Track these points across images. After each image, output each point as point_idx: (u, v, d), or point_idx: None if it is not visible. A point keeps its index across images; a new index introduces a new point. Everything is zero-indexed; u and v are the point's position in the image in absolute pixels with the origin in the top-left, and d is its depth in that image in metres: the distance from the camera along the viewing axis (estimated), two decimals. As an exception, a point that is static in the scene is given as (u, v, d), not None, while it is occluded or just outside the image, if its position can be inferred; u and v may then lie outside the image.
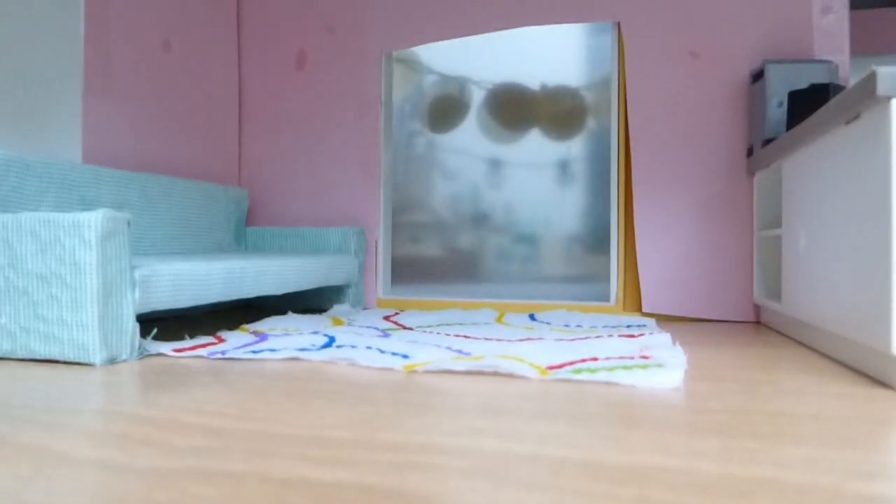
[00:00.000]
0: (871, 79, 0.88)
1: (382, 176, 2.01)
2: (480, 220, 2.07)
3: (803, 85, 1.55)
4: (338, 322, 1.50)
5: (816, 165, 1.18)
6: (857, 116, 0.99)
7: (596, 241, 1.98)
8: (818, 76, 1.55)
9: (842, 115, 1.01)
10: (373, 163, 2.00)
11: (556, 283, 2.00)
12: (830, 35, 1.69)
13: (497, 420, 0.71)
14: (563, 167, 2.03)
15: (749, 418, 0.73)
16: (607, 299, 1.91)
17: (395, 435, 0.65)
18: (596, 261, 1.97)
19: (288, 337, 1.24)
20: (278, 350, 1.10)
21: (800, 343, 1.33)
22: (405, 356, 1.07)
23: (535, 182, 2.05)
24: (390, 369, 1.01)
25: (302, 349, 1.12)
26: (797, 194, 1.31)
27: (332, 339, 1.22)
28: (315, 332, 1.30)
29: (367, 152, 2.01)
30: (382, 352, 1.10)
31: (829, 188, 1.11)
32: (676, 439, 0.64)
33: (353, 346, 1.14)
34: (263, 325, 1.41)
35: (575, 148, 2.02)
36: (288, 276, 1.46)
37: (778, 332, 1.52)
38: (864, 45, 2.54)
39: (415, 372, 0.98)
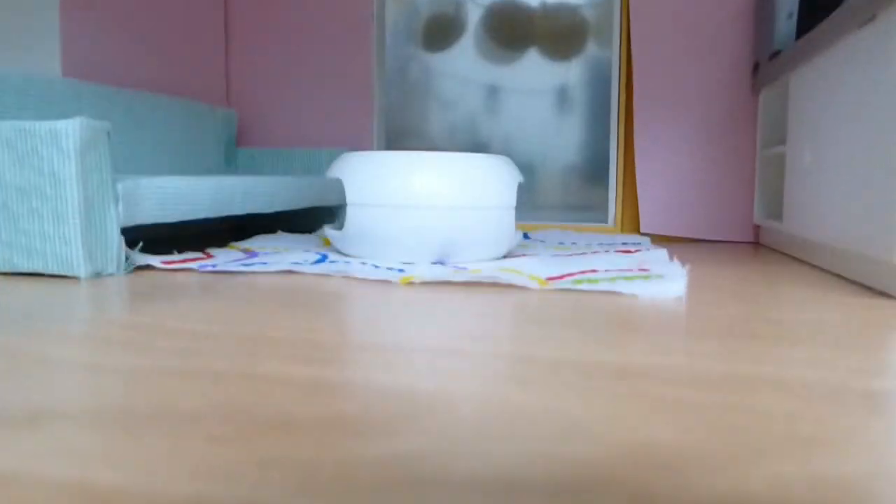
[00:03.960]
0: (892, -28, 0.82)
1: (375, 96, 1.95)
2: (478, 149, 2.02)
3: (815, -6, 1.47)
4: (328, 242, 1.48)
5: (826, 75, 1.13)
6: (872, 18, 0.93)
7: (595, 168, 1.94)
8: (831, -15, 1.47)
9: (856, 17, 0.96)
10: (365, 81, 1.93)
11: (554, 211, 1.96)
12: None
13: (493, 326, 0.69)
14: (563, 92, 1.97)
15: (750, 324, 0.71)
16: (605, 222, 1.88)
17: (388, 338, 0.63)
18: (594, 189, 1.94)
19: (279, 254, 1.22)
20: (270, 264, 1.08)
21: (800, 261, 1.31)
22: (401, 270, 1.05)
23: (534, 109, 1.99)
24: (386, 282, 0.99)
25: (295, 263, 1.10)
26: (804, 108, 1.26)
27: (324, 256, 1.19)
28: (307, 251, 1.28)
29: (358, 70, 1.94)
30: (377, 267, 1.08)
31: (839, 99, 1.07)
32: (676, 342, 0.62)
33: (346, 262, 1.12)
34: (252, 242, 1.38)
35: (575, 69, 1.95)
36: (279, 194, 1.43)
37: (778, 251, 1.50)
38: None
39: (412, 283, 0.96)
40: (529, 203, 1.99)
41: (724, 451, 0.36)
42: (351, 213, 1.15)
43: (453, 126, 2.04)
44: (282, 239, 1.46)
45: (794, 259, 1.34)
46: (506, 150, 2.00)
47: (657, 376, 0.51)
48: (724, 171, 1.69)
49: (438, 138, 2.05)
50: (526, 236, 1.63)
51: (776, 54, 1.48)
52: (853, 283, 1.02)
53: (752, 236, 1.69)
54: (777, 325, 0.71)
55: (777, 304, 0.84)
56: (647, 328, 0.68)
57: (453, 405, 0.44)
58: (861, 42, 0.98)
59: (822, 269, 1.17)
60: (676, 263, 1.10)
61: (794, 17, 1.48)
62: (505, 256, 1.23)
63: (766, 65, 1.52)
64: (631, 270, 1.03)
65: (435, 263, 1.13)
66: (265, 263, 1.09)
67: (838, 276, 1.09)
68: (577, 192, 1.95)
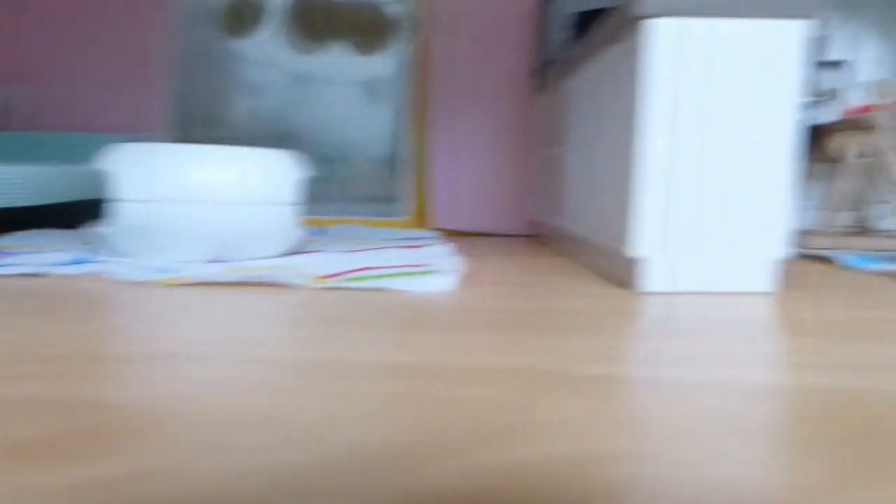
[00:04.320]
0: (632, 0, 0.92)
1: (167, 81, 1.82)
2: (283, 138, 1.97)
3: (592, 7, 1.61)
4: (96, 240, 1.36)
5: (588, 84, 1.25)
6: (621, 37, 1.04)
7: (399, 160, 1.97)
8: (605, 0, 1.62)
9: (610, 34, 1.07)
10: (155, 65, 1.80)
11: (358, 204, 1.97)
12: (610, -37, 1.78)
13: (254, 328, 0.68)
14: (368, 85, 1.98)
15: (502, 316, 0.76)
16: (404, 215, 1.93)
17: (134, 347, 0.59)
18: (398, 182, 1.97)
19: (34, 254, 1.10)
20: (19, 266, 0.97)
21: (569, 254, 1.44)
22: (171, 270, 0.99)
23: (340, 100, 1.98)
24: (150, 282, 0.93)
25: (50, 264, 1.00)
26: (572, 113, 1.38)
27: (87, 256, 1.10)
28: (69, 250, 1.17)
29: (147, 53, 1.80)
30: (145, 267, 1.02)
31: (596, 106, 1.18)
32: (430, 337, 0.65)
33: (110, 262, 1.04)
34: (4, 240, 1.24)
35: (380, 64, 1.97)
36: (39, 185, 1.29)
37: (553, 244, 1.63)
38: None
39: (180, 285, 0.92)
40: (333, 195, 1.98)
41: (434, 445, 0.39)
42: (119, 209, 1.07)
43: (257, 115, 1.97)
44: (42, 236, 1.32)
45: (566, 252, 1.47)
46: (311, 141, 1.97)
47: (401, 373, 0.53)
48: (511, 169, 1.80)
49: (242, 127, 1.97)
50: (319, 231, 1.62)
51: (552, 62, 1.60)
52: (604, 274, 1.14)
53: (535, 230, 1.82)
54: (530, 315, 0.77)
55: (536, 295, 0.91)
56: (409, 324, 0.71)
57: (181, 418, 0.42)
58: (612, 57, 1.08)
59: (583, 262, 1.29)
60: (455, 258, 1.16)
61: (567, 29, 1.61)
62: (291, 253, 1.21)
63: (544, 71, 1.64)
64: (410, 266, 1.06)
65: (211, 262, 1.09)
66: (14, 265, 0.98)
67: (594, 268, 1.21)
68: (381, 185, 1.97)
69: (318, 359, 0.57)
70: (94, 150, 1.72)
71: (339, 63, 1.98)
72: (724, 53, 0.92)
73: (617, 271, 1.08)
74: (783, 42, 0.92)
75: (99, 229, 1.12)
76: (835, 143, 1.77)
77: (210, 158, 1.06)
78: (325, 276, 0.95)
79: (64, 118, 1.82)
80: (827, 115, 2.14)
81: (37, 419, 0.42)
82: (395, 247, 1.33)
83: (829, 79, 3.01)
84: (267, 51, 1.98)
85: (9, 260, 1.03)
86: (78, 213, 1.71)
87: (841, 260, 1.29)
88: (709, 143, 0.93)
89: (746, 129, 0.93)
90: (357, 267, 1.03)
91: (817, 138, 1.82)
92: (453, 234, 1.81)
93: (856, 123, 1.56)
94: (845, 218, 2.21)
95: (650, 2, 0.90)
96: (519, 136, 1.80)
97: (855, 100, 2.93)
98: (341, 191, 1.99)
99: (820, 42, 2.67)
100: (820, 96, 2.57)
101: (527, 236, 1.81)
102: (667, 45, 0.91)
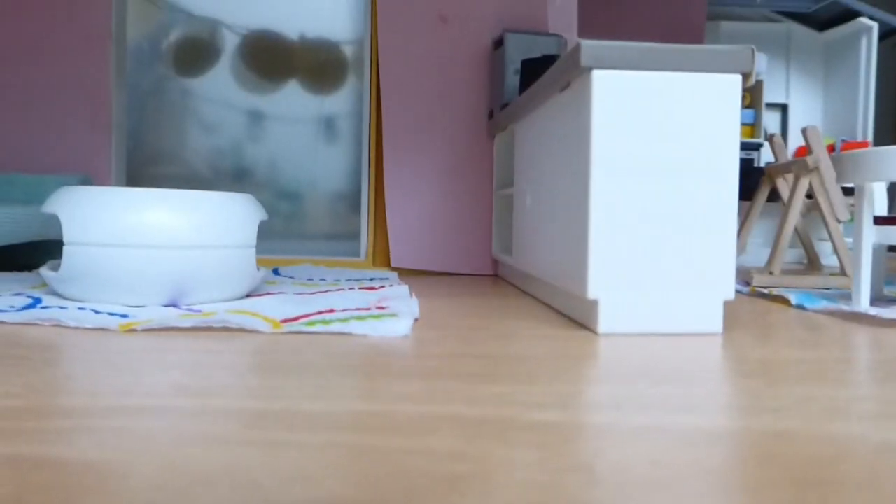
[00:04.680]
0: (577, 51, 0.96)
1: (114, 120, 1.81)
2: (240, 175, 1.97)
3: (536, 55, 1.67)
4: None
5: (539, 129, 1.28)
6: (568, 85, 1.08)
7: (357, 197, 1.98)
8: (549, 48, 1.68)
9: (557, 83, 1.11)
10: (102, 104, 1.79)
11: (316, 242, 1.97)
12: (561, 13, 1.85)
13: (207, 377, 0.67)
14: (324, 123, 1.99)
15: (458, 361, 0.77)
16: (362, 255, 1.93)
17: (78, 400, 0.59)
18: (358, 219, 1.98)
19: (-19, 299, 1.07)
20: (-37, 314, 0.95)
21: (527, 294, 1.46)
22: (124, 316, 0.98)
23: (296, 139, 1.99)
24: (104, 329, 0.91)
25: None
26: (525, 156, 1.41)
27: (37, 301, 1.08)
28: (18, 294, 1.14)
29: (95, 92, 1.79)
30: (98, 312, 1.00)
31: (547, 150, 1.22)
32: (383, 385, 0.66)
33: (62, 308, 1.02)
34: (-47, 286, 1.20)
35: (335, 103, 1.99)
36: (-13, 229, 1.26)
37: (511, 284, 1.65)
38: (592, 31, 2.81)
39: (133, 331, 0.91)
40: (289, 234, 1.97)
41: (386, 499, 0.39)
42: (70, 253, 1.05)
43: (212, 152, 1.96)
44: (-10, 280, 1.29)
45: (523, 292, 1.49)
46: (267, 179, 1.97)
47: (355, 424, 0.53)
48: (468, 208, 1.83)
49: (197, 164, 1.96)
50: (276, 272, 1.61)
51: (506, 105, 1.65)
52: (562, 315, 1.16)
53: (492, 269, 1.85)
54: (482, 360, 0.78)
55: (490, 338, 0.92)
56: (366, 371, 0.71)
57: (137, 472, 0.42)
58: (561, 104, 1.12)
59: (541, 302, 1.32)
60: (413, 300, 1.17)
61: (519, 74, 1.66)
62: (248, 296, 1.21)
63: (498, 113, 1.68)
64: (368, 309, 1.07)
65: (167, 306, 1.07)
66: (-43, 312, 0.95)
67: (552, 308, 1.23)
68: (339, 223, 1.98)
69: (274, 409, 0.57)
70: (46, 191, 1.69)
71: (296, 101, 2.00)
72: (667, 103, 0.96)
73: (576, 312, 1.10)
74: (722, 92, 0.97)
75: (47, 273, 1.10)
76: (780, 183, 1.85)
77: (163, 202, 1.06)
78: (282, 321, 0.95)
79: (14, 159, 1.79)
80: (772, 156, 2.23)
81: (-18, 480, 0.41)
82: (353, 288, 1.33)
83: (773, 121, 3.15)
84: (221, 89, 1.99)
85: (-47, 307, 1.00)
86: (35, 254, 1.67)
87: (787, 299, 1.34)
88: (655, 187, 0.96)
89: (691, 174, 0.97)
90: (315, 310, 1.03)
91: (765, 178, 1.90)
92: (414, 274, 1.82)
93: (799, 164, 1.64)
94: (792, 256, 2.30)
95: (594, 55, 0.94)
96: (480, 176, 1.83)
97: (798, 141, 3.06)
98: (299, 229, 1.98)
99: (762, 87, 2.79)
100: (766, 138, 2.68)
101: (491, 276, 1.83)
102: (611, 95, 0.95)
